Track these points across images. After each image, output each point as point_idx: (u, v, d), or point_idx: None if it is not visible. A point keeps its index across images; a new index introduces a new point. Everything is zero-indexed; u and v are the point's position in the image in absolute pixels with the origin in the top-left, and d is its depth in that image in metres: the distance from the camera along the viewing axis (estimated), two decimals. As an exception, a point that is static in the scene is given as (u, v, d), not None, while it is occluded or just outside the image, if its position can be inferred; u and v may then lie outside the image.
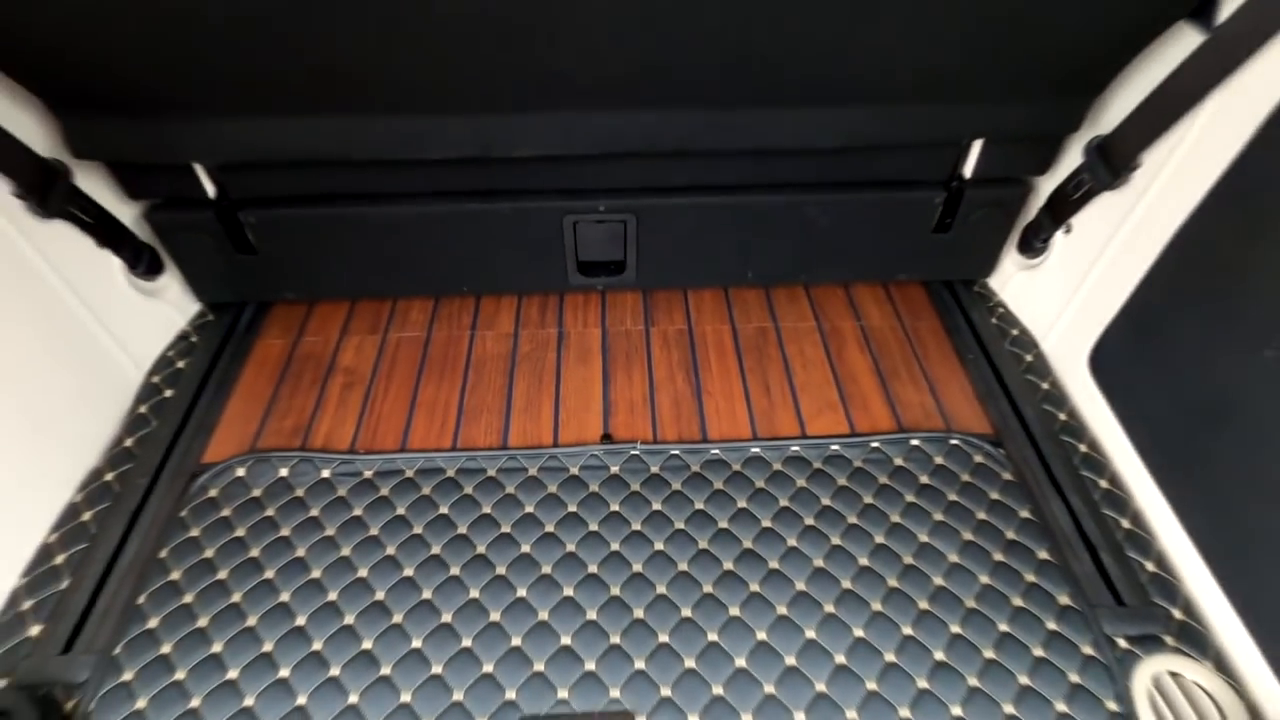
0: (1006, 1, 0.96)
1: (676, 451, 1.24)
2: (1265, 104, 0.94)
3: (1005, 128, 1.23)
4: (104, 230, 1.25)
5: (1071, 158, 1.30)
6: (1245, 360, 0.96)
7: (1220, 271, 1.02)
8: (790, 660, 1.00)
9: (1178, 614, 1.05)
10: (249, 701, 0.96)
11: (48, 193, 1.13)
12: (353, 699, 0.96)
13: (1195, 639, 1.02)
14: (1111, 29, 1.04)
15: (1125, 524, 1.15)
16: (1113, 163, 1.18)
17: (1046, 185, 1.37)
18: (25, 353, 1.12)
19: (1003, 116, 1.20)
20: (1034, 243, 1.42)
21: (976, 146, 1.30)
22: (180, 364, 1.39)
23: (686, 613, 1.05)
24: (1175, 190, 1.09)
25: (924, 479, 1.21)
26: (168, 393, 1.34)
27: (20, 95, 1.09)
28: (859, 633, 1.02)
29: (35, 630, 1.02)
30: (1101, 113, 1.22)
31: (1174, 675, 1.00)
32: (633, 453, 1.24)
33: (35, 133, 1.13)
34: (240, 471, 1.21)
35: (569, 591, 1.07)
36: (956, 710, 0.95)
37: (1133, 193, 1.18)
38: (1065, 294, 1.35)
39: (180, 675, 0.98)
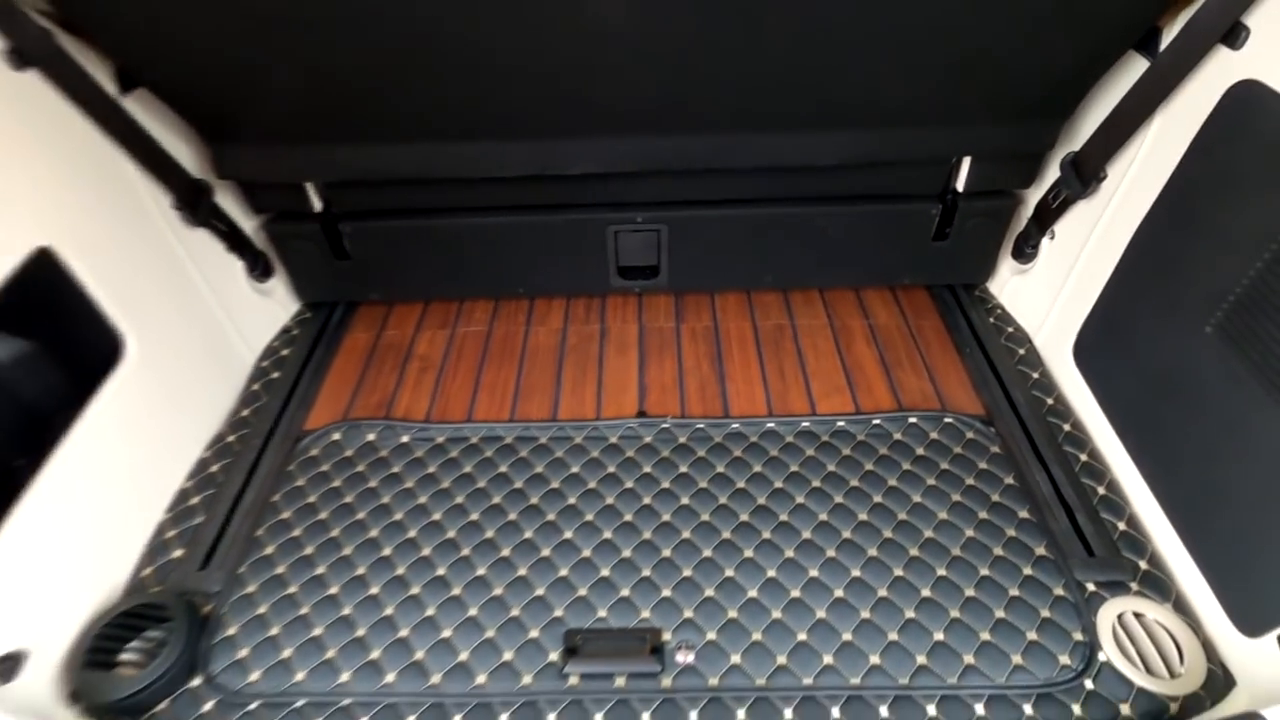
0: (981, 39, 1.16)
1: (701, 425, 1.44)
2: (1197, 120, 1.11)
3: (989, 146, 1.41)
4: (233, 239, 1.53)
5: (1052, 172, 1.47)
6: (1187, 339, 1.12)
7: (1167, 264, 1.18)
8: (795, 593, 1.17)
9: (1144, 565, 1.18)
10: (346, 611, 1.17)
11: (196, 206, 1.41)
12: (429, 612, 1.17)
13: (1158, 586, 1.16)
14: (1073, 60, 1.22)
15: (1101, 491, 1.29)
16: (1083, 174, 1.35)
17: (1033, 196, 1.54)
18: (172, 336, 1.38)
19: (986, 137, 1.39)
20: (1025, 249, 1.59)
21: (966, 163, 1.48)
22: (284, 351, 1.66)
23: (707, 553, 1.23)
24: (1133, 197, 1.26)
25: (920, 450, 1.37)
26: (275, 374, 1.60)
27: (181, 126, 1.38)
28: (856, 573, 1.19)
29: (178, 553, 1.26)
30: (1073, 131, 1.40)
31: (1137, 615, 1.13)
32: (663, 425, 1.44)
33: (189, 157, 1.41)
34: (336, 436, 1.45)
35: (608, 535, 1.26)
36: (939, 636, 1.11)
37: (1101, 201, 1.35)
38: (1052, 293, 1.52)
39: (292, 590, 1.20)
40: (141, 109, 1.30)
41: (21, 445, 1.08)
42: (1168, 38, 1.15)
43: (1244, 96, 1.03)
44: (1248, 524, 1.03)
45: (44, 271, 1.10)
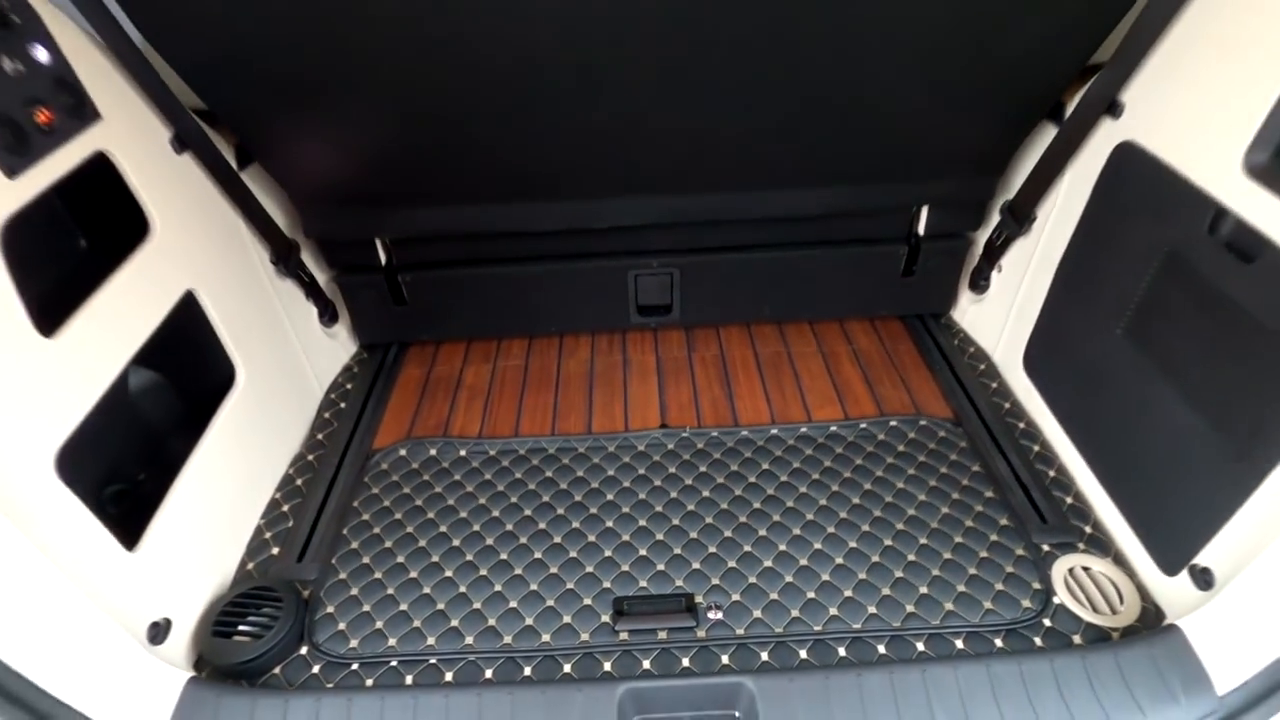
0: (932, 117, 1.48)
1: (715, 433, 1.69)
2: (1095, 171, 1.43)
3: (942, 197, 1.73)
4: (311, 289, 1.80)
5: (994, 216, 1.79)
6: (1104, 342, 1.41)
7: (1085, 284, 1.48)
8: (804, 561, 1.40)
9: (1088, 529, 1.43)
10: (426, 590, 1.38)
11: (288, 261, 1.68)
12: (498, 588, 1.38)
13: (1100, 545, 1.40)
14: (1003, 128, 1.55)
15: (1051, 474, 1.55)
16: (1018, 217, 1.67)
17: (982, 236, 1.85)
18: (267, 368, 1.63)
19: (939, 189, 1.71)
20: (979, 281, 1.89)
21: (925, 211, 1.80)
22: (348, 385, 1.90)
23: (728, 534, 1.46)
24: (1057, 233, 1.57)
25: (900, 448, 1.63)
26: (342, 404, 1.84)
27: (279, 193, 1.67)
28: (852, 544, 1.43)
29: (275, 550, 1.47)
30: (1008, 183, 1.73)
31: (1084, 569, 1.37)
32: (683, 434, 1.69)
33: (283, 220, 1.70)
34: (402, 452, 1.68)
35: (643, 522, 1.49)
36: (923, 589, 1.34)
37: (1034, 238, 1.66)
38: (1003, 317, 1.81)
39: (377, 575, 1.41)
40: (252, 179, 1.59)
41: (164, 455, 1.32)
42: (1069, 110, 1.48)
43: (1125, 153, 1.35)
44: (1158, 486, 1.29)
45: (188, 309, 1.36)
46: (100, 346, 1.13)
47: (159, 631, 1.19)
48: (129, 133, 1.23)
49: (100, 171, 1.18)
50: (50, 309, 1.04)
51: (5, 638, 0.90)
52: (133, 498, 1.22)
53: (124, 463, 1.22)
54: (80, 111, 1.13)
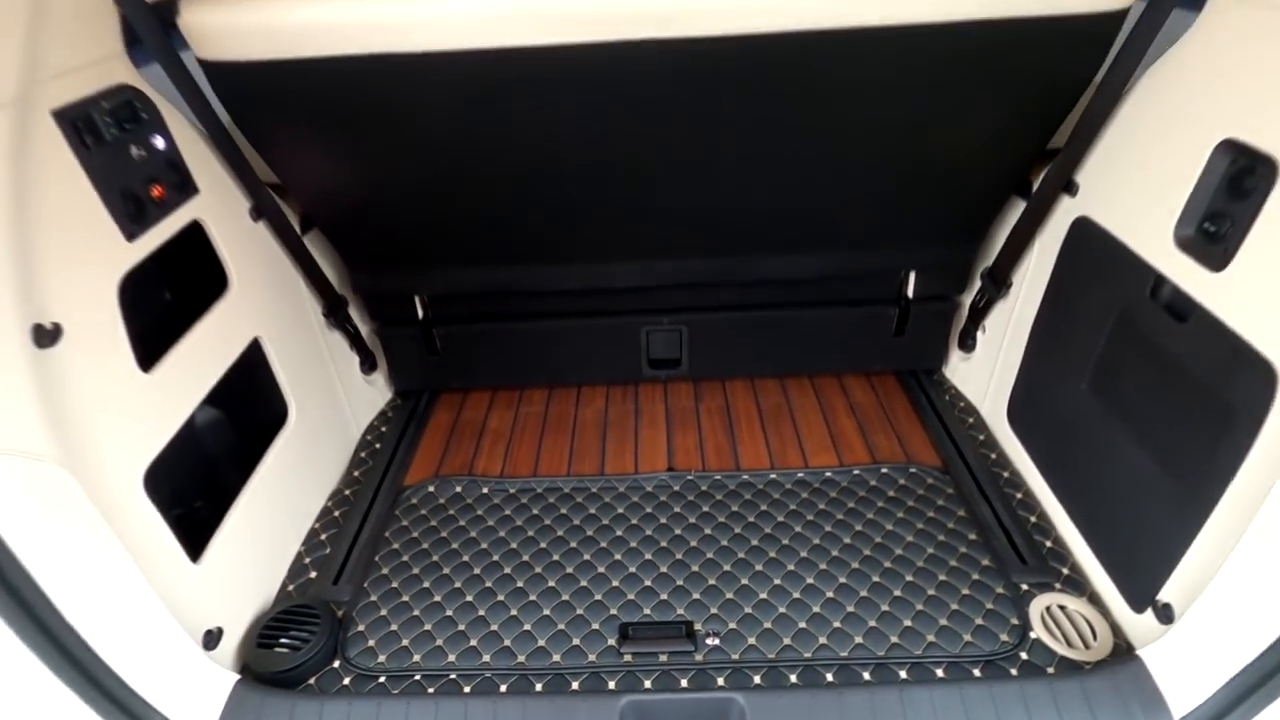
0: (915, 195, 1.67)
1: (718, 476, 1.82)
2: (1058, 241, 1.59)
3: (926, 263, 1.90)
4: (354, 339, 2.00)
5: (977, 281, 1.95)
6: (1073, 394, 1.54)
7: (1055, 343, 1.62)
8: (796, 594, 1.51)
9: (1065, 571, 1.53)
10: (449, 613, 1.51)
11: (336, 314, 1.89)
12: (513, 612, 1.51)
13: (1077, 585, 1.50)
14: (978, 203, 1.73)
15: (1033, 519, 1.65)
16: (996, 282, 1.83)
17: (967, 300, 2.01)
18: (313, 410, 1.81)
19: (924, 257, 1.88)
20: (966, 341, 2.04)
21: (913, 276, 1.96)
22: (383, 429, 2.08)
23: (726, 568, 1.58)
24: (1030, 296, 1.72)
25: (891, 493, 1.75)
26: (376, 445, 2.02)
27: (332, 254, 1.89)
28: (842, 580, 1.53)
29: (313, 574, 1.62)
30: (988, 250, 1.89)
31: (1061, 607, 1.46)
32: (688, 477, 1.83)
33: (335, 276, 1.91)
34: (431, 488, 1.84)
35: (648, 556, 1.62)
36: (907, 622, 1.44)
37: (1011, 301, 1.82)
38: (989, 374, 1.94)
39: (405, 599, 1.55)
40: (311, 243, 1.81)
41: (225, 481, 1.49)
42: (1035, 187, 1.66)
43: (1082, 227, 1.52)
44: (1124, 528, 1.39)
45: (253, 354, 1.56)
46: (185, 381, 1.32)
47: (212, 639, 1.33)
48: (218, 204, 1.46)
49: (194, 236, 1.40)
50: (149, 348, 1.24)
51: (94, 627, 1.05)
52: (197, 517, 1.38)
53: (193, 485, 1.39)
54: (184, 187, 1.36)
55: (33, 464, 0.95)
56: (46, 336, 1.00)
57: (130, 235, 1.20)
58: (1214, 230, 1.18)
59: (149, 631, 1.14)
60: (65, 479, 1.00)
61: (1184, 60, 1.26)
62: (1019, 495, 1.72)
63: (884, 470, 1.81)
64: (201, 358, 1.37)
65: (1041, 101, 1.45)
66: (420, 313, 2.03)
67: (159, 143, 1.29)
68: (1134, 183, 1.37)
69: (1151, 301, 1.31)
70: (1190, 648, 1.15)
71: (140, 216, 1.22)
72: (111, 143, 1.17)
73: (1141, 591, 1.34)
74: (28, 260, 0.98)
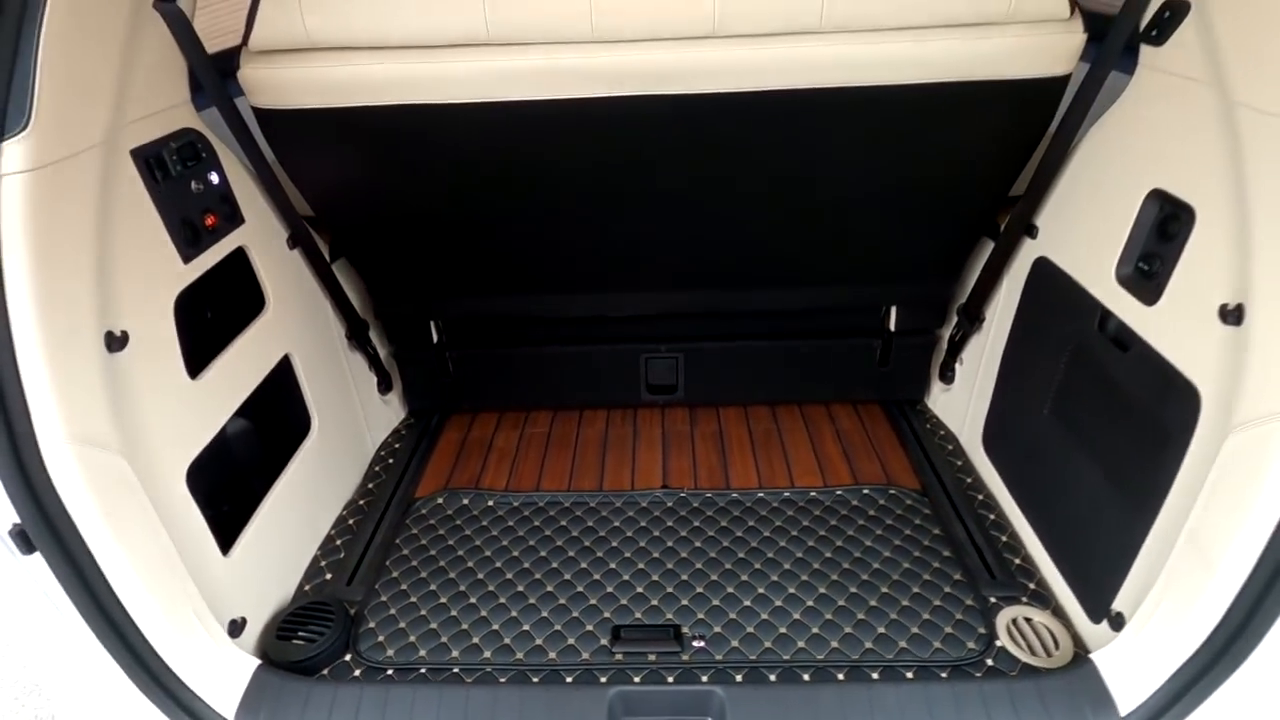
0: (894, 237, 1.82)
1: (709, 494, 1.94)
2: (1022, 279, 1.73)
3: (906, 299, 2.04)
4: (374, 361, 2.15)
5: (955, 316, 2.08)
6: (1037, 421, 1.66)
7: (1021, 373, 1.75)
8: (778, 602, 1.61)
9: (1032, 585, 1.62)
10: (454, 613, 1.62)
11: (358, 336, 2.04)
12: (514, 614, 1.61)
13: (1042, 599, 1.59)
14: (950, 244, 1.88)
15: (1004, 539, 1.75)
16: (970, 317, 1.96)
17: (946, 333, 2.14)
18: (332, 424, 1.95)
19: (903, 291, 2.03)
20: (946, 373, 2.17)
21: (894, 310, 2.10)
22: (396, 445, 2.21)
23: (714, 577, 1.69)
24: (1000, 330, 1.86)
25: (871, 512, 1.86)
26: (390, 460, 2.15)
27: (356, 281, 2.05)
28: (821, 590, 1.64)
29: (328, 576, 1.73)
30: (962, 288, 2.03)
31: (1026, 619, 1.56)
32: (681, 494, 1.94)
33: (358, 301, 2.07)
34: (440, 500, 1.96)
35: (641, 565, 1.73)
36: (881, 630, 1.54)
37: (984, 334, 1.95)
38: (966, 403, 2.07)
39: (413, 600, 1.66)
40: (338, 270, 1.98)
41: (253, 482, 1.62)
42: (1002, 229, 1.81)
43: (1042, 266, 1.66)
44: (1084, 544, 1.50)
45: (284, 369, 1.71)
46: (225, 389, 1.46)
47: (236, 627, 1.44)
48: (260, 233, 1.62)
49: (238, 261, 1.56)
50: (196, 358, 1.38)
51: (139, 604, 1.17)
52: (227, 516, 1.51)
53: (224, 486, 1.52)
54: (233, 217, 1.52)
55: (99, 451, 1.09)
56: (116, 342, 1.15)
57: (186, 258, 1.36)
58: (1147, 269, 1.31)
59: (184, 614, 1.26)
60: (124, 467, 1.14)
61: (1120, 118, 1.42)
62: (992, 516, 1.82)
63: (865, 491, 1.92)
64: (240, 369, 1.52)
65: (1001, 154, 1.61)
66: (435, 338, 2.18)
67: (214, 178, 1.46)
68: (1083, 226, 1.52)
69: (1099, 333, 1.45)
70: (1134, 651, 1.25)
71: (195, 242, 1.39)
72: (176, 178, 1.34)
73: (1098, 603, 1.44)
74: (106, 275, 1.13)
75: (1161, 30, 1.24)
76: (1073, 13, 1.36)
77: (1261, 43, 0.98)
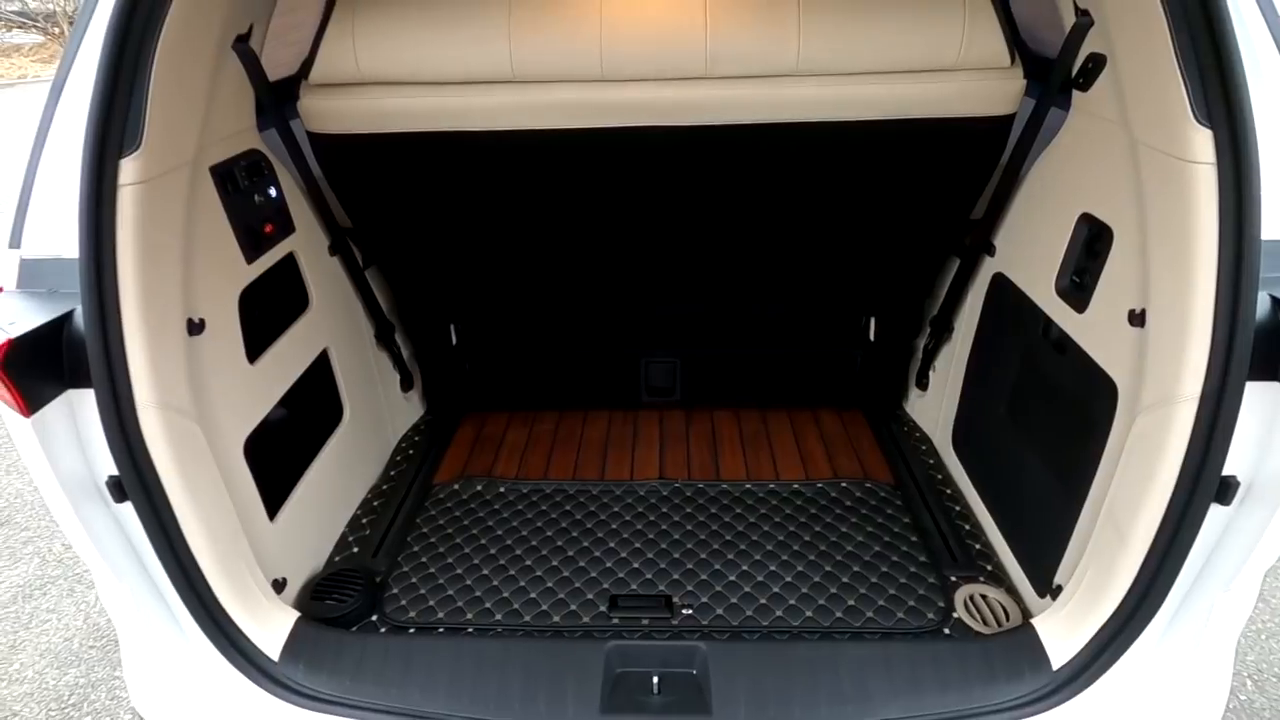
0: (870, 260, 2.03)
1: (701, 485, 2.13)
2: (983, 293, 1.93)
3: (884, 312, 2.25)
4: (398, 360, 2.36)
5: (928, 328, 2.28)
6: (996, 421, 1.85)
7: (981, 378, 1.94)
8: (759, 578, 1.79)
9: (990, 567, 1.80)
10: (469, 582, 1.81)
11: (385, 337, 2.25)
12: (522, 584, 1.80)
13: (997, 579, 1.77)
14: (919, 262, 2.09)
15: (967, 527, 1.93)
16: (941, 327, 2.16)
17: (921, 343, 2.34)
18: (361, 415, 2.15)
19: (881, 306, 2.23)
20: (921, 380, 2.36)
21: (873, 323, 2.30)
22: (416, 438, 2.41)
23: (703, 556, 1.87)
24: (964, 339, 2.06)
25: (848, 502, 2.04)
26: (410, 451, 2.35)
27: (385, 287, 2.27)
28: (799, 568, 1.82)
29: (356, 549, 1.93)
30: (934, 300, 2.23)
31: (982, 595, 1.73)
32: (676, 485, 2.13)
33: (387, 305, 2.29)
34: (456, 486, 2.15)
35: (637, 545, 1.91)
36: (851, 602, 1.72)
37: (953, 345, 2.15)
38: (939, 408, 2.26)
39: (432, 570, 1.85)
40: (371, 276, 2.20)
41: (295, 459, 1.82)
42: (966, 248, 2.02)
43: (999, 281, 1.87)
44: (1032, 528, 1.68)
45: (322, 362, 1.92)
46: (276, 374, 1.67)
47: (278, 586, 1.63)
48: (308, 241, 1.85)
49: (288, 264, 1.78)
50: (254, 346, 1.60)
51: (205, 554, 1.36)
52: (274, 486, 1.70)
53: (273, 459, 1.72)
54: (286, 226, 1.75)
55: (180, 417, 1.29)
56: (195, 327, 1.37)
57: (249, 260, 1.58)
58: (1079, 282, 1.51)
59: (239, 567, 1.45)
60: (198, 433, 1.34)
61: (1058, 151, 1.63)
62: (958, 507, 2.00)
63: (843, 484, 2.11)
64: (288, 358, 1.73)
65: (961, 181, 1.82)
66: (454, 340, 2.39)
67: (272, 192, 1.69)
68: (1031, 245, 1.72)
69: (1044, 340, 1.64)
70: (1065, 616, 1.42)
71: (256, 246, 1.61)
72: (243, 191, 1.57)
73: (1043, 579, 1.62)
74: (190, 271, 1.35)
75: (1086, 78, 1.46)
76: (1014, 61, 1.58)
77: (1151, 91, 1.19)
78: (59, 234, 1.27)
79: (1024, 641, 1.44)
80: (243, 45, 1.52)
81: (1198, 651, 1.35)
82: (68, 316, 1.20)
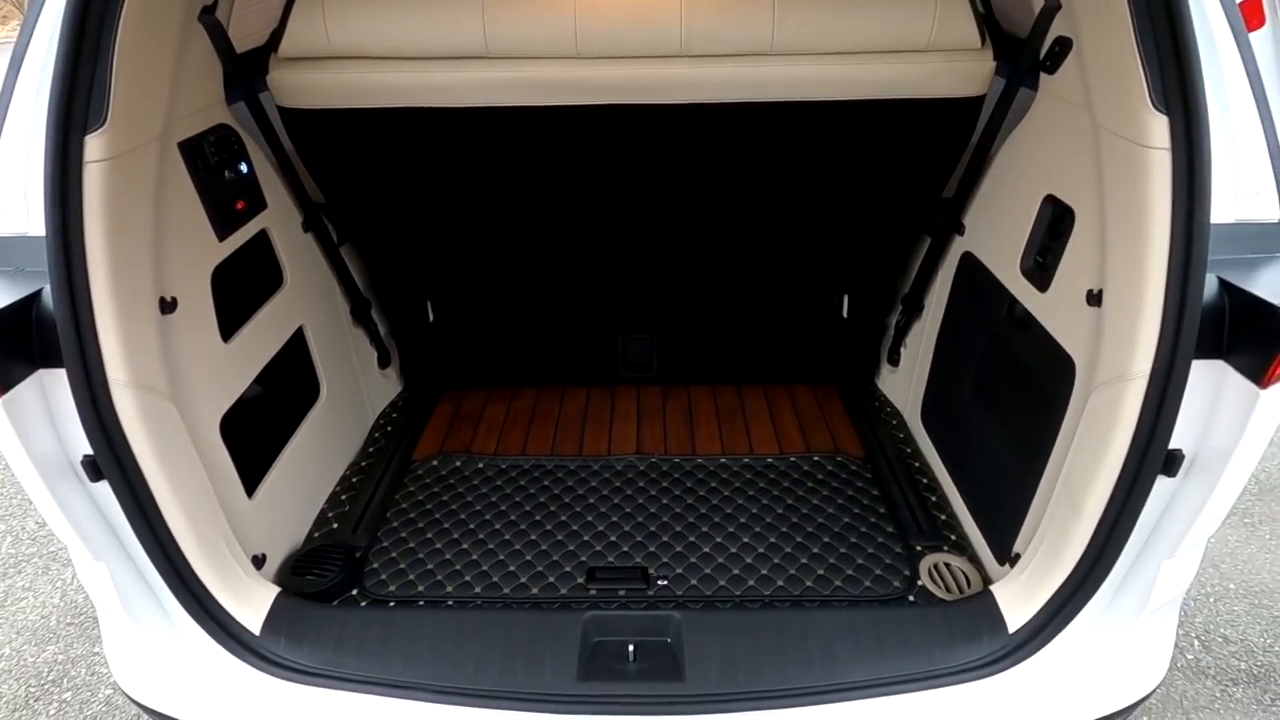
0: (836, 233, 2.06)
1: (677, 459, 2.17)
2: (953, 270, 1.98)
3: (857, 289, 2.29)
4: (374, 337, 2.35)
5: (900, 305, 2.33)
6: (961, 396, 1.90)
7: (950, 352, 1.99)
8: (733, 550, 1.84)
9: (954, 537, 1.87)
10: (448, 557, 1.84)
11: (361, 314, 2.25)
12: (501, 557, 1.83)
13: (961, 549, 1.84)
14: (892, 243, 2.12)
15: (934, 499, 2.00)
16: (911, 306, 2.21)
17: (894, 320, 2.39)
18: (339, 392, 2.15)
19: (854, 283, 2.27)
20: (893, 356, 2.41)
21: (846, 300, 2.34)
22: (394, 415, 2.42)
23: (678, 529, 1.91)
24: (934, 317, 2.10)
25: (820, 475, 2.09)
26: (389, 428, 2.36)
27: (360, 263, 2.25)
28: (772, 540, 1.87)
29: (336, 525, 1.94)
30: (906, 278, 2.28)
31: (946, 564, 1.80)
32: (652, 459, 2.17)
33: (362, 282, 2.27)
34: (435, 462, 2.17)
35: (614, 519, 1.95)
36: (820, 571, 1.77)
37: (924, 322, 2.20)
38: (909, 383, 2.31)
39: (411, 545, 1.87)
40: (346, 253, 2.18)
41: (272, 436, 1.82)
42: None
43: (967, 260, 1.91)
44: (994, 499, 1.75)
45: (297, 339, 1.91)
46: (251, 353, 1.67)
47: (257, 561, 1.65)
48: (280, 217, 1.83)
49: (261, 241, 1.76)
50: (227, 324, 1.59)
51: (183, 531, 1.37)
52: (251, 463, 1.71)
53: (249, 436, 1.72)
54: (258, 202, 1.73)
55: (153, 395, 1.29)
56: (167, 306, 1.36)
57: (221, 237, 1.57)
58: (1042, 262, 1.56)
59: (218, 543, 1.46)
60: (173, 412, 1.35)
61: (1026, 132, 1.66)
62: (925, 480, 2.07)
63: (816, 458, 2.16)
64: (263, 336, 1.73)
65: (931, 160, 1.85)
66: (431, 317, 2.39)
67: (243, 167, 1.66)
68: (998, 225, 1.76)
69: (1008, 318, 1.69)
70: (1022, 582, 1.49)
71: (228, 223, 1.59)
72: (213, 167, 1.55)
73: (1003, 548, 1.69)
74: (160, 250, 1.34)
75: (1054, 61, 1.48)
76: (984, 42, 1.60)
77: (1112, 75, 1.22)
78: (24, 212, 1.25)
79: (983, 607, 1.51)
80: (209, 16, 1.49)
81: (1144, 614, 1.43)
82: (36, 295, 1.19)
